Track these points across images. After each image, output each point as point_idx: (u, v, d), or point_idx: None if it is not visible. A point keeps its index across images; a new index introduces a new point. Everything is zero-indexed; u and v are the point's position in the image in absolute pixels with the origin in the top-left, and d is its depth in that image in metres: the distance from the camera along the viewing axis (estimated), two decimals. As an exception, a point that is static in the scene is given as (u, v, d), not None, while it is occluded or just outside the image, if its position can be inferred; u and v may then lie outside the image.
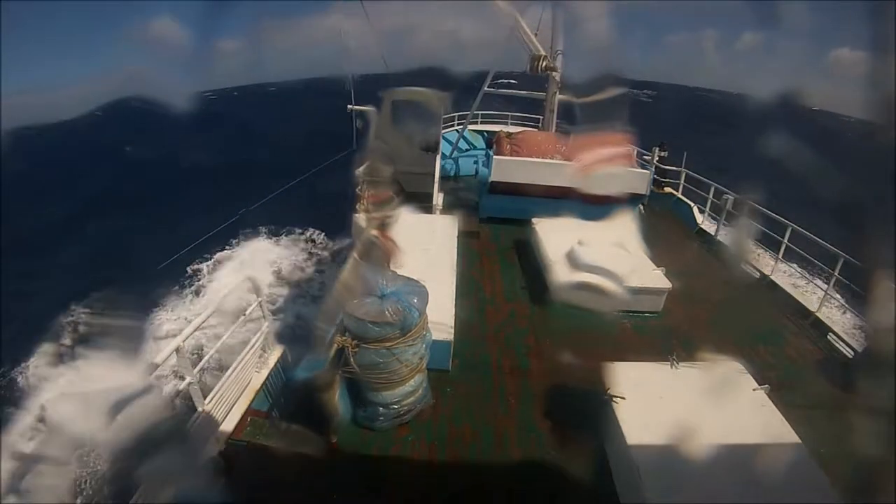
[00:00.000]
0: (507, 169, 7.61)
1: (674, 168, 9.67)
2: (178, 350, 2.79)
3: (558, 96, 9.94)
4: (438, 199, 7.94)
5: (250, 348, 3.73)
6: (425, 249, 5.39)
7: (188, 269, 13.94)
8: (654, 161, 9.32)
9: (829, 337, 5.04)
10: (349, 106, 8.03)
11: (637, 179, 7.69)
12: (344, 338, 3.28)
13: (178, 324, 11.68)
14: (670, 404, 3.15)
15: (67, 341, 11.26)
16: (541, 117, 11.04)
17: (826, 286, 5.51)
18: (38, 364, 10.46)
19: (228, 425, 3.31)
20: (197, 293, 13.24)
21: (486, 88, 10.51)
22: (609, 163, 7.77)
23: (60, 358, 10.82)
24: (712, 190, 8.16)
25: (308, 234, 16.01)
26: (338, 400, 3.42)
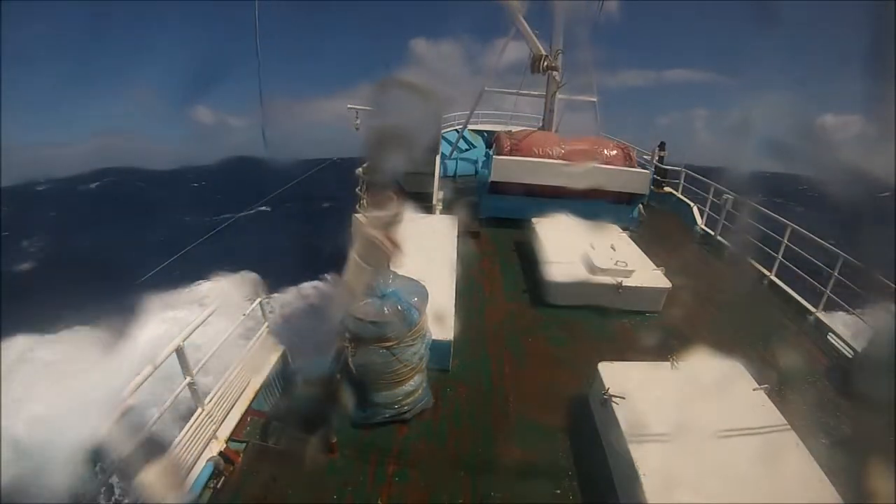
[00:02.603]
0: (507, 169, 7.61)
1: (674, 168, 9.68)
2: (178, 350, 2.79)
3: (558, 96, 9.96)
4: (438, 199, 7.94)
5: (250, 348, 3.73)
6: (425, 249, 5.39)
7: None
8: (654, 161, 9.33)
9: (829, 337, 5.04)
10: (348, 105, 8.03)
11: (637, 179, 7.69)
12: (344, 338, 3.28)
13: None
14: (670, 404, 3.14)
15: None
16: (541, 117, 11.05)
17: (826, 286, 5.50)
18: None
19: (228, 425, 3.31)
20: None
21: (485, 88, 10.53)
22: (608, 162, 7.82)
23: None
24: (712, 190, 8.16)
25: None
26: (338, 400, 3.42)
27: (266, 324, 3.88)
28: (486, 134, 12.34)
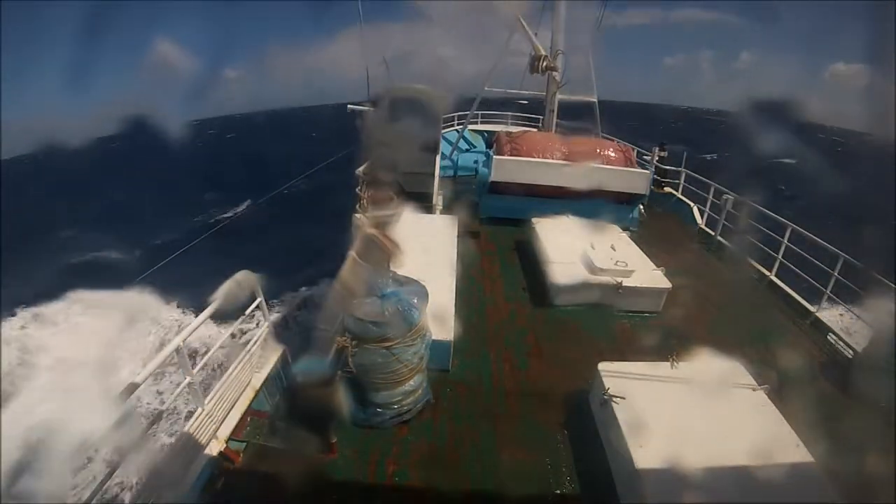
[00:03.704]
0: (507, 169, 7.61)
1: (674, 168, 9.68)
2: (178, 350, 2.79)
3: (558, 96, 9.96)
4: (438, 199, 7.94)
5: (250, 348, 3.73)
6: (425, 249, 5.39)
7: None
8: (654, 161, 9.32)
9: (829, 337, 5.04)
10: (349, 106, 8.04)
11: (637, 179, 7.69)
12: (344, 338, 3.28)
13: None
14: (670, 404, 3.15)
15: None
16: (541, 117, 11.05)
17: (826, 286, 5.50)
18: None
19: (228, 425, 3.31)
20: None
21: (485, 88, 10.53)
22: (608, 162, 7.82)
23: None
24: (712, 190, 8.16)
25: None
26: (338, 400, 3.42)
27: (266, 324, 3.88)
28: (486, 134, 12.35)
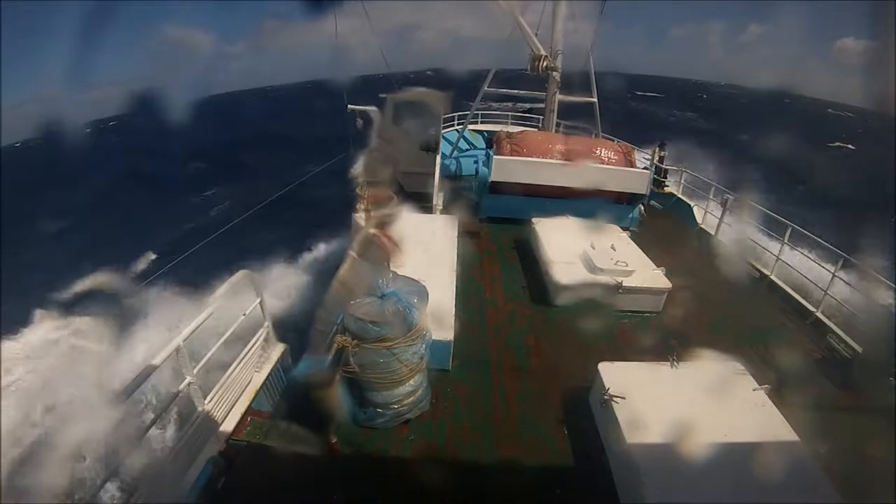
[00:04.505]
0: (507, 169, 7.61)
1: (674, 167, 9.68)
2: (178, 350, 2.79)
3: (558, 96, 9.96)
4: (438, 199, 7.94)
5: (250, 348, 3.73)
6: (425, 249, 5.39)
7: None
8: (654, 161, 9.32)
9: (829, 337, 5.04)
10: (349, 106, 8.03)
11: (637, 179, 7.70)
12: (344, 338, 3.28)
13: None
14: (670, 404, 3.15)
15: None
16: (541, 117, 11.05)
17: (826, 286, 5.50)
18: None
19: (228, 425, 3.31)
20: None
21: (486, 88, 10.52)
22: (608, 162, 7.82)
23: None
24: (712, 190, 8.16)
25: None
26: (338, 400, 3.42)
27: (266, 323, 3.88)
28: (486, 134, 12.35)
